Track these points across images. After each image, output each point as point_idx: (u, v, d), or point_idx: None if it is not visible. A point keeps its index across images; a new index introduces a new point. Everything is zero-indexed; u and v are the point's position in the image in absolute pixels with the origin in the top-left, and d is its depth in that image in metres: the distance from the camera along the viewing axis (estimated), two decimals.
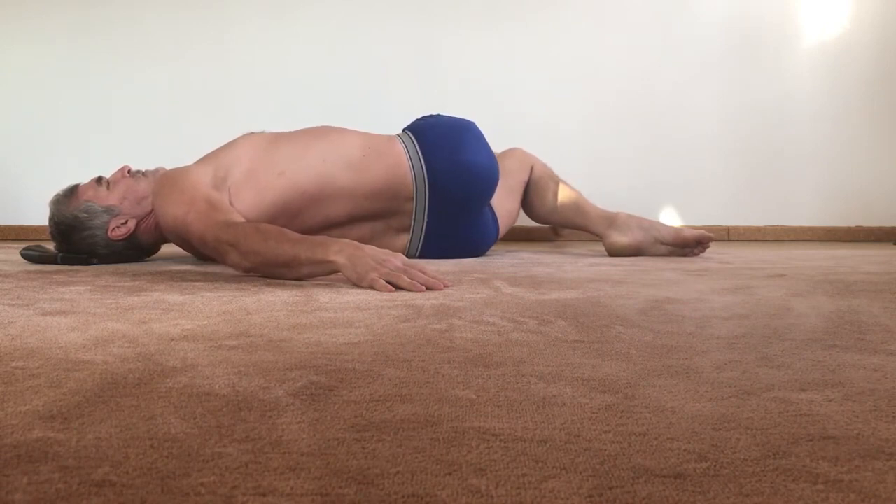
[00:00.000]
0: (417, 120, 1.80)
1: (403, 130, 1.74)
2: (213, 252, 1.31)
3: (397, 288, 1.08)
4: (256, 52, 3.13)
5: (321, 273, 1.19)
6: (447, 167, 1.62)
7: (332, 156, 1.55)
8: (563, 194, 1.95)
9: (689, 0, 2.99)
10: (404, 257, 1.15)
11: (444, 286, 1.10)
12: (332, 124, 1.75)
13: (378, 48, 3.07)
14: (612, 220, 1.89)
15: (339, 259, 1.14)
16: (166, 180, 1.45)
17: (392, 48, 3.06)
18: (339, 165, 1.54)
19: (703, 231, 1.85)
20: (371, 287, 1.09)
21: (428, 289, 1.08)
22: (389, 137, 1.68)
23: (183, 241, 1.50)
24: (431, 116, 1.81)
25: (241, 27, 3.14)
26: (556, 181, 1.95)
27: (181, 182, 1.41)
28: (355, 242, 1.18)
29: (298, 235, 1.23)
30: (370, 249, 1.15)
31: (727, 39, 2.97)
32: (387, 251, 1.16)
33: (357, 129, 1.70)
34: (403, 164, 1.60)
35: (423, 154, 1.62)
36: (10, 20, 3.24)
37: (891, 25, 2.91)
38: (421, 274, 1.11)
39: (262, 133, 1.62)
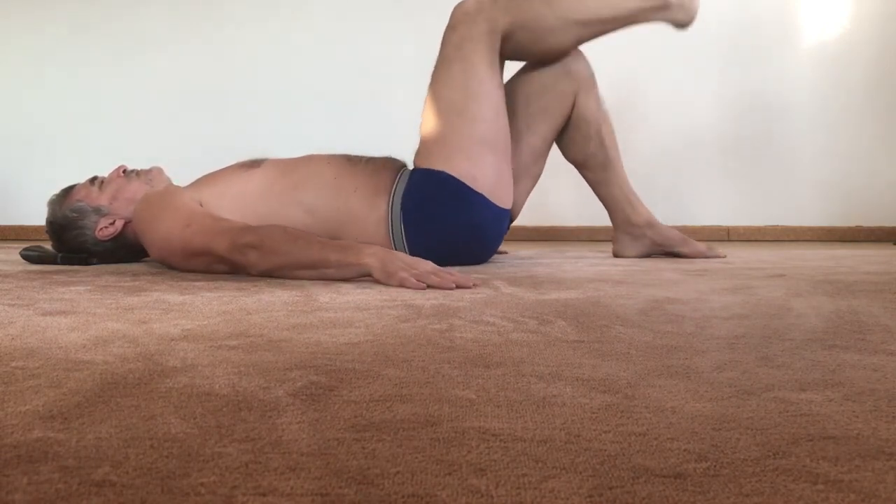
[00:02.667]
0: (413, 189, 1.47)
1: (401, 201, 1.47)
2: (223, 260, 1.30)
3: (428, 286, 1.10)
4: (257, 50, 3.13)
5: (349, 275, 1.20)
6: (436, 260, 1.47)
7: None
8: (600, 154, 1.70)
9: None
10: (433, 264, 1.17)
11: (474, 284, 1.12)
12: (324, 151, 1.59)
13: (378, 47, 3.07)
14: (629, 222, 1.75)
15: (371, 261, 1.16)
16: (154, 201, 1.43)
17: (392, 47, 3.06)
18: None
19: (721, 253, 1.80)
20: (401, 285, 1.11)
21: (458, 287, 1.10)
22: (379, 218, 1.47)
23: (171, 258, 1.41)
24: (433, 183, 1.47)
25: (242, 24, 3.14)
26: (598, 130, 1.67)
27: (172, 201, 1.40)
28: (386, 248, 1.21)
29: (324, 238, 1.26)
30: (401, 254, 1.18)
31: (727, 39, 2.97)
32: (417, 258, 1.18)
33: (353, 180, 1.48)
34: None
35: (409, 248, 1.48)
36: (10, 20, 3.24)
37: (891, 25, 2.91)
38: (450, 276, 1.12)
39: (252, 173, 1.50)
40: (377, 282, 1.16)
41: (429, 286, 1.10)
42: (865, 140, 2.94)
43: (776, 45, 2.96)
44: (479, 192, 1.47)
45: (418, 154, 1.56)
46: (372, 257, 1.17)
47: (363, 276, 1.20)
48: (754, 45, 2.97)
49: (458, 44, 1.52)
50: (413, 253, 1.47)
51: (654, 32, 3.00)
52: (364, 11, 3.07)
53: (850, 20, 2.93)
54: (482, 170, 1.48)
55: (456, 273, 1.14)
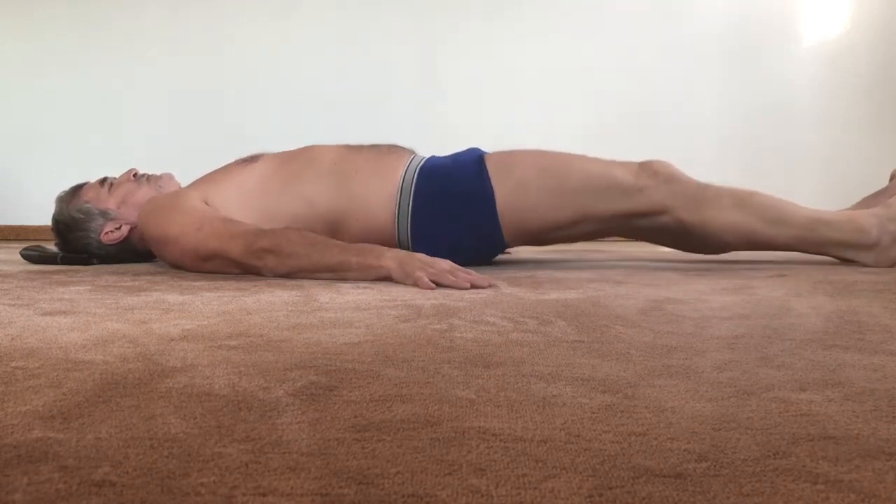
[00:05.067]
0: (426, 181, 1.44)
1: (417, 172, 1.45)
2: (238, 264, 1.29)
3: (440, 286, 1.10)
4: (257, 50, 3.13)
5: (369, 278, 1.21)
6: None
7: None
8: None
9: (689, 0, 2.99)
10: (452, 263, 1.18)
11: (490, 285, 1.12)
12: (323, 142, 1.56)
13: (378, 47, 3.07)
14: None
15: (391, 264, 1.17)
16: (162, 203, 1.43)
17: (392, 47, 3.06)
18: None
19: None
20: (415, 284, 1.12)
21: (473, 286, 1.10)
22: (387, 197, 1.43)
23: (183, 260, 1.39)
24: (477, 183, 1.42)
25: (242, 24, 3.14)
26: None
27: (181, 204, 1.40)
28: (407, 251, 1.23)
29: (341, 242, 1.27)
30: (420, 255, 1.19)
31: (727, 40, 2.97)
32: (435, 258, 1.19)
33: (353, 165, 1.46)
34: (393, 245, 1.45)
35: (412, 240, 1.45)
36: (11, 20, 3.23)
37: (891, 25, 2.91)
38: (466, 275, 1.13)
39: (252, 167, 1.48)
40: (395, 282, 1.17)
41: (443, 285, 1.10)
42: (865, 140, 2.95)
43: (776, 45, 2.96)
44: (499, 219, 1.42)
45: (498, 155, 1.48)
46: (392, 260, 1.18)
47: (383, 279, 1.20)
48: (754, 45, 2.97)
49: (610, 183, 1.39)
50: (414, 229, 1.43)
51: (654, 34, 3.00)
52: (364, 11, 3.07)
53: (850, 20, 2.93)
54: (509, 225, 1.44)
55: (473, 273, 1.14)
